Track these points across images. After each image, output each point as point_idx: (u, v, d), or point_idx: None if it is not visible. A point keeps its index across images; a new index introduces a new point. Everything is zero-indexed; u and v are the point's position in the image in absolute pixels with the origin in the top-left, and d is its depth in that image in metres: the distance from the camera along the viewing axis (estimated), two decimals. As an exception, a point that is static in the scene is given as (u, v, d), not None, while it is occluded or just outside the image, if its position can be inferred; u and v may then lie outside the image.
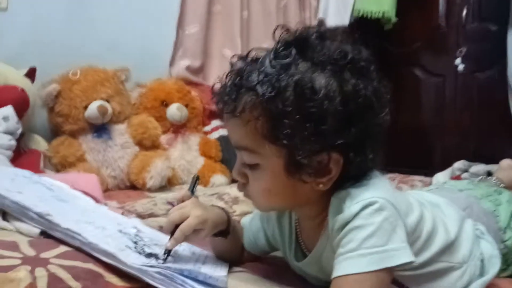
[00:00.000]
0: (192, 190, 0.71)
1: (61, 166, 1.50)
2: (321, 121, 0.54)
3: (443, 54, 2.66)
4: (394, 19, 2.22)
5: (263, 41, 2.36)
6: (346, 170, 0.57)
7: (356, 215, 0.54)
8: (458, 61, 2.59)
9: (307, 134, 0.54)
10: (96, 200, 0.88)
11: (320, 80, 0.55)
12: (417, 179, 1.72)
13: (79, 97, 1.55)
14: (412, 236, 0.58)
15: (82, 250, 0.57)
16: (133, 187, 1.62)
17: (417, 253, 0.57)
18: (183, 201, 0.68)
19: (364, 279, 0.52)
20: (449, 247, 0.64)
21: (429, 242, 0.62)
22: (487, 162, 1.60)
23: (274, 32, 0.61)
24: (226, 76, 0.61)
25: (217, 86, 0.62)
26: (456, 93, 2.62)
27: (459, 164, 1.63)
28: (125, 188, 1.63)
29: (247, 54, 0.61)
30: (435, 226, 0.63)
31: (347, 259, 0.54)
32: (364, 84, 0.56)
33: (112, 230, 0.67)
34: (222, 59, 2.20)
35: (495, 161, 1.57)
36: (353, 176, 0.58)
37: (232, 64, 0.61)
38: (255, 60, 0.59)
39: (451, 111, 2.62)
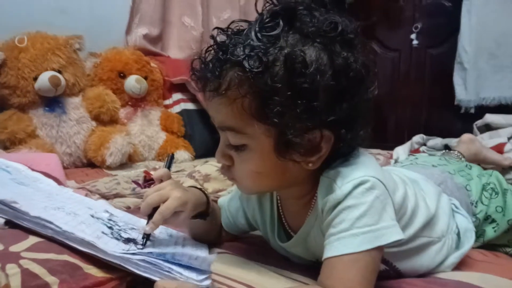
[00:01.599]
0: (168, 168, 0.67)
1: (10, 143, 1.38)
2: (313, 97, 0.51)
3: (399, 28, 2.71)
4: (355, -8, 2.22)
5: (224, 9, 2.28)
6: (336, 147, 0.55)
7: (348, 194, 0.53)
8: (413, 36, 2.66)
9: (298, 111, 0.51)
10: (58, 182, 0.81)
11: (311, 53, 0.52)
12: (376, 152, 1.77)
13: (27, 67, 1.42)
14: (399, 213, 0.59)
15: (55, 240, 0.52)
16: (90, 164, 1.54)
17: (403, 229, 0.58)
18: (161, 181, 0.64)
19: (357, 259, 0.51)
20: (429, 222, 0.65)
21: (412, 218, 0.63)
22: (437, 134, 1.67)
23: (255, 3, 0.56)
24: (206, 50, 0.56)
25: (196, 61, 0.57)
26: (410, 67, 2.71)
27: (417, 138, 1.69)
28: (82, 165, 1.54)
29: (228, 26, 0.57)
30: (417, 202, 0.64)
31: (339, 239, 0.53)
32: (354, 57, 0.53)
33: (84, 215, 0.61)
34: (182, 27, 2.10)
35: (445, 133, 1.66)
36: (342, 154, 0.57)
37: (212, 37, 0.56)
38: (238, 32, 0.55)
39: (404, 85, 2.71)
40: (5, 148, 1.37)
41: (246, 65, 0.51)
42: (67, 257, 0.50)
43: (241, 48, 0.52)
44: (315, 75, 0.51)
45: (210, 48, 0.56)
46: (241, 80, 0.52)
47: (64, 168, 1.45)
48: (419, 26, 2.60)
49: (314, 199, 0.59)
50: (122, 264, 0.52)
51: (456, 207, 0.73)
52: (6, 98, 1.42)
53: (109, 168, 1.49)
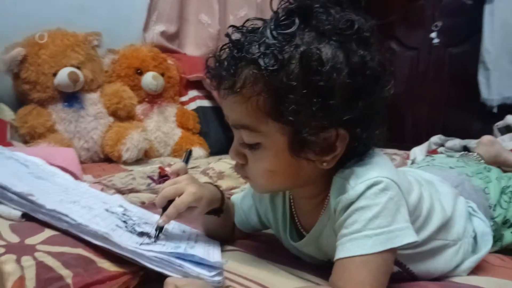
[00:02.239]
0: (186, 162, 0.68)
1: (29, 137, 1.41)
2: (328, 95, 0.51)
3: (418, 27, 2.67)
4: (374, -10, 2.18)
5: (241, 7, 2.28)
6: (351, 147, 0.55)
7: (361, 195, 0.53)
8: (433, 35, 2.62)
9: (314, 110, 0.51)
10: (75, 177, 0.82)
11: (327, 51, 0.51)
12: (392, 152, 1.74)
13: (47, 63, 1.45)
14: (413, 215, 0.58)
15: (70, 234, 0.53)
16: (107, 159, 1.56)
17: (417, 232, 0.57)
18: (178, 175, 0.64)
19: (369, 260, 0.51)
20: (445, 225, 0.64)
21: (427, 221, 0.61)
22: (456, 135, 1.64)
23: (271, 1, 0.56)
24: (221, 48, 0.56)
25: (211, 59, 0.57)
26: (429, 67, 2.66)
27: (435, 139, 1.66)
28: (99, 160, 1.56)
29: (243, 24, 0.56)
30: (432, 204, 0.63)
31: (352, 240, 0.52)
32: (371, 55, 0.53)
33: (99, 209, 0.62)
34: (199, 25, 2.11)
35: (463, 134, 1.62)
36: (357, 153, 0.56)
37: (228, 35, 0.56)
38: (253, 30, 0.55)
39: (423, 84, 2.67)
40: (25, 142, 1.40)
41: (261, 63, 0.50)
42: (81, 251, 0.50)
43: (256, 46, 0.52)
44: (331, 73, 0.50)
45: (225, 46, 0.56)
46: (256, 78, 0.51)
47: (82, 162, 1.48)
48: (439, 24, 2.55)
49: (327, 199, 0.58)
50: (135, 258, 0.52)
51: (474, 210, 0.72)
52: (27, 93, 1.45)
53: (125, 163, 1.51)
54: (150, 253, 0.53)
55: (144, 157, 1.59)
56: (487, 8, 2.14)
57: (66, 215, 0.53)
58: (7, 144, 1.18)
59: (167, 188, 0.60)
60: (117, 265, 0.52)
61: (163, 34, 1.98)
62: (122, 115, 1.58)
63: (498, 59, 2.13)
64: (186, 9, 2.09)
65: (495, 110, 2.12)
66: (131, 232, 0.59)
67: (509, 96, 2.09)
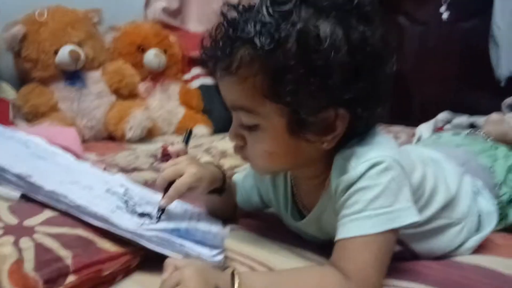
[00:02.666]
0: (185, 143, 0.67)
1: (32, 116, 1.40)
2: (327, 74, 0.49)
3: (428, 1, 2.59)
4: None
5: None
6: (352, 126, 0.54)
7: (362, 175, 0.52)
8: (443, 8, 2.54)
9: (312, 90, 0.49)
10: (77, 156, 0.82)
11: (325, 28, 0.49)
12: (398, 130, 1.72)
13: (47, 41, 1.42)
14: (416, 194, 0.57)
15: (69, 214, 0.53)
16: (111, 138, 1.56)
17: (420, 211, 0.56)
18: (178, 155, 0.64)
19: (370, 241, 0.50)
20: (449, 204, 0.63)
21: (431, 199, 0.61)
22: (465, 112, 1.61)
23: None
24: (217, 28, 0.54)
25: (206, 39, 0.56)
26: (439, 42, 2.59)
27: (442, 115, 1.63)
28: (102, 139, 1.56)
29: (238, 2, 0.54)
30: (436, 183, 0.62)
31: (352, 220, 0.52)
32: (371, 31, 0.51)
33: (99, 190, 0.62)
34: (202, 0, 2.06)
35: (474, 111, 1.59)
36: (358, 133, 0.55)
37: (222, 14, 0.54)
38: (249, 8, 0.53)
39: (432, 60, 2.61)
40: (28, 121, 1.40)
41: (257, 42, 0.49)
42: (80, 232, 0.50)
43: (252, 25, 0.50)
44: (330, 51, 0.48)
45: (220, 26, 0.54)
46: (252, 58, 0.50)
47: (85, 141, 1.48)
48: (448, -1, 2.48)
49: (328, 179, 0.58)
50: (134, 238, 0.52)
51: (479, 189, 0.71)
52: (28, 72, 1.44)
53: (129, 142, 1.51)
54: (151, 232, 0.53)
55: (148, 135, 1.58)
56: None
57: (65, 196, 0.53)
58: (9, 124, 1.18)
59: (168, 169, 0.60)
60: (118, 245, 0.52)
61: (165, 10, 1.94)
62: (125, 93, 1.56)
63: (508, 34, 2.07)
64: (188, -16, 2.04)
65: (503, 84, 2.08)
66: (131, 213, 0.58)
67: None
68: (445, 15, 2.52)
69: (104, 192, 0.63)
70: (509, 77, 2.06)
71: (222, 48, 0.52)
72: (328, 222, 0.60)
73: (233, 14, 0.53)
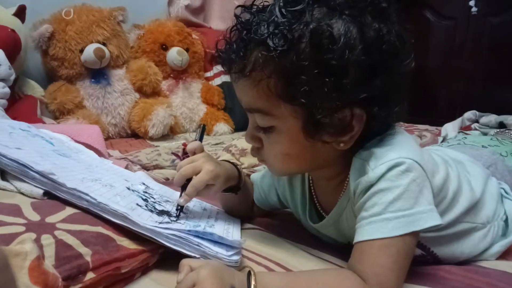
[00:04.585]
0: (200, 140, 0.68)
1: (59, 113, 1.45)
2: (342, 74, 0.48)
3: (456, -5, 2.51)
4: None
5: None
6: (369, 126, 0.52)
7: (381, 177, 0.50)
8: (472, 3, 2.46)
9: (327, 90, 0.48)
10: (99, 153, 0.84)
11: (339, 27, 0.48)
12: (423, 128, 1.68)
13: (74, 39, 1.46)
14: (438, 197, 0.55)
15: (90, 212, 0.54)
16: (134, 135, 1.59)
17: (442, 214, 0.55)
18: (194, 153, 0.64)
19: (390, 244, 0.49)
20: (473, 207, 0.61)
21: (454, 202, 0.59)
22: (492, 111, 1.56)
23: None
24: (231, 30, 0.54)
25: (221, 42, 0.56)
26: (467, 37, 2.51)
27: (469, 114, 1.58)
28: (126, 136, 1.59)
29: (252, 3, 0.54)
30: (460, 185, 0.60)
31: (371, 223, 0.50)
32: (387, 28, 0.49)
33: (120, 187, 0.63)
34: (224, -2, 2.07)
35: (502, 110, 1.54)
36: (376, 132, 0.54)
37: (236, 16, 0.54)
38: (262, 9, 0.52)
39: (459, 57, 2.53)
40: (55, 118, 1.44)
41: (270, 43, 0.48)
42: (100, 229, 0.51)
43: (265, 26, 0.49)
44: (344, 51, 0.47)
45: (234, 28, 0.54)
46: (266, 60, 0.49)
47: (109, 138, 1.52)
48: (478, -9, 2.40)
49: (346, 180, 0.57)
50: (153, 236, 0.53)
51: (506, 192, 0.68)
52: (55, 70, 1.48)
53: (151, 139, 1.54)
54: (168, 231, 0.53)
55: (170, 132, 1.61)
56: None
57: (87, 194, 0.54)
58: (37, 120, 1.22)
59: (185, 167, 0.61)
60: (137, 243, 0.53)
61: (188, 7, 1.96)
62: (148, 91, 1.59)
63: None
64: (211, -18, 2.05)
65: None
66: (151, 210, 0.59)
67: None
68: (474, 10, 2.43)
69: (125, 189, 0.64)
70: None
71: (236, 51, 0.52)
72: (346, 224, 0.59)
73: (246, 16, 0.53)
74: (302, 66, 0.48)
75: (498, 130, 1.10)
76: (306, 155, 0.55)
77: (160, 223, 0.55)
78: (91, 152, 0.77)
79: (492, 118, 1.49)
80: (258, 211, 0.76)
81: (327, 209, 0.62)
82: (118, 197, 0.58)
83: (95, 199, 0.53)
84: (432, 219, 0.50)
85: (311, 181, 0.65)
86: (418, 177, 0.50)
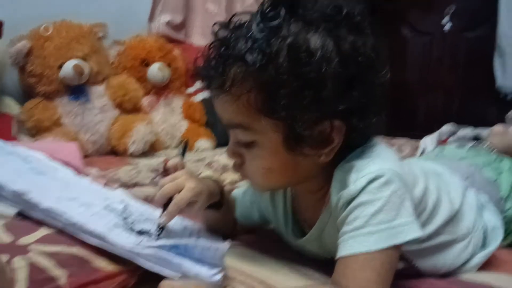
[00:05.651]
0: (182, 155, 0.67)
1: (36, 131, 1.41)
2: (320, 86, 0.49)
3: (432, 11, 2.59)
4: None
5: (249, -1, 2.24)
6: (349, 138, 0.53)
7: (362, 189, 0.51)
8: (445, 19, 2.54)
9: (306, 103, 0.49)
10: (78, 171, 0.82)
11: (315, 40, 0.50)
12: (402, 142, 1.71)
13: (52, 55, 1.44)
14: (418, 209, 0.56)
15: (66, 232, 0.52)
16: (113, 152, 1.56)
17: (422, 226, 0.55)
18: (176, 170, 0.63)
19: (373, 258, 0.49)
20: (453, 218, 0.62)
21: (434, 214, 0.60)
22: (470, 123, 1.60)
23: None
24: (209, 47, 0.54)
25: (200, 59, 0.56)
26: (443, 52, 2.58)
27: (446, 127, 1.61)
28: (105, 153, 1.56)
29: (230, 20, 0.55)
30: (439, 197, 0.61)
31: (354, 237, 0.50)
32: (363, 41, 0.51)
33: (98, 206, 0.61)
34: (206, 14, 2.08)
35: (479, 123, 1.58)
36: (356, 144, 0.55)
37: (214, 33, 0.54)
38: (240, 26, 0.53)
39: (437, 71, 2.60)
40: (32, 136, 1.40)
41: (249, 59, 0.49)
42: (77, 250, 0.50)
43: (243, 42, 0.50)
44: (321, 63, 0.49)
45: (213, 44, 0.54)
46: (245, 75, 0.50)
47: (88, 156, 1.48)
48: (452, 8, 2.47)
49: (328, 194, 0.57)
50: (131, 258, 0.51)
51: (484, 203, 0.69)
52: (33, 87, 1.45)
53: (131, 156, 1.51)
54: (148, 250, 0.52)
55: (150, 149, 1.58)
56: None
57: (62, 214, 0.52)
58: (11, 139, 1.18)
59: (167, 185, 0.60)
60: (114, 264, 0.51)
61: (169, 24, 1.96)
62: (128, 108, 1.57)
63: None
64: (192, -1, 2.06)
65: (509, 97, 2.06)
66: (129, 230, 0.58)
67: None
68: (447, 27, 2.51)
69: (103, 208, 0.62)
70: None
71: (215, 67, 0.52)
72: (329, 239, 0.59)
73: (224, 33, 0.53)
74: (281, 80, 0.49)
75: (474, 142, 1.12)
76: (287, 169, 0.55)
77: (139, 243, 0.54)
78: (69, 170, 0.75)
79: (468, 131, 1.52)
80: (241, 228, 0.75)
81: (310, 224, 0.62)
82: (96, 217, 0.56)
83: (71, 219, 0.52)
84: (414, 231, 0.51)
85: (293, 196, 0.64)
86: (398, 188, 0.51)
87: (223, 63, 0.51)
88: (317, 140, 0.52)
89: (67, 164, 0.81)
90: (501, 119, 1.46)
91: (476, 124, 1.56)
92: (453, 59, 2.53)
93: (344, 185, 0.52)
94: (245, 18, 0.54)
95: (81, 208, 0.57)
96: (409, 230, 0.50)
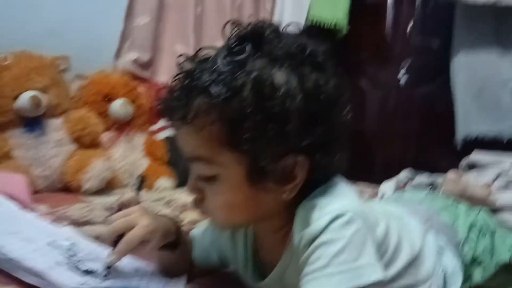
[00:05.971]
0: (137, 190, 0.64)
1: (-17, 164, 1.32)
2: (284, 121, 0.50)
3: (388, 66, 2.76)
4: (346, 29, 2.25)
5: (216, 38, 2.28)
6: (312, 175, 0.53)
7: (324, 228, 0.50)
8: (401, 73, 2.70)
9: (270, 137, 0.49)
10: (24, 205, 0.76)
11: (280, 76, 0.51)
12: (362, 188, 1.73)
13: (8, 86, 1.38)
14: (379, 250, 0.55)
15: (1, 270, 0.47)
16: (66, 188, 1.47)
17: (384, 268, 0.54)
18: (128, 206, 0.60)
19: (334, 301, 0.47)
20: (414, 261, 0.61)
21: (395, 256, 0.59)
22: (427, 170, 1.66)
23: (224, 27, 0.55)
24: (174, 79, 0.54)
25: (163, 91, 0.55)
26: (399, 105, 2.73)
27: (403, 174, 1.67)
28: (57, 190, 1.47)
29: (196, 53, 0.55)
30: (400, 239, 0.61)
31: (315, 278, 0.49)
32: (325, 79, 0.52)
33: (40, 242, 0.56)
34: (174, 54, 2.09)
35: (434, 169, 1.64)
36: (319, 182, 0.54)
37: (180, 66, 0.54)
38: (206, 59, 0.54)
39: (393, 122, 2.72)
40: (-23, 169, 1.31)
41: (213, 91, 0.49)
42: (11, 290, 0.44)
43: (208, 74, 0.50)
44: (285, 99, 0.49)
45: (177, 77, 0.54)
46: (208, 108, 0.50)
47: (38, 192, 1.39)
48: (406, 64, 2.65)
49: (290, 233, 0.55)
50: (73, 299, 0.46)
51: (443, 247, 0.69)
52: (-16, 117, 1.38)
53: (85, 193, 1.43)
54: (92, 292, 0.47)
55: (107, 187, 1.51)
56: (454, 47, 2.25)
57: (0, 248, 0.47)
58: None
59: (117, 221, 0.56)
60: (53, 306, 0.46)
61: (135, 61, 1.95)
62: (86, 142, 1.51)
63: (463, 97, 2.22)
64: (161, 39, 2.07)
65: (459, 147, 2.17)
66: (74, 269, 0.53)
67: (475, 132, 2.16)
68: (402, 80, 2.67)
69: (46, 245, 0.57)
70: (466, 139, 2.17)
71: (178, 98, 0.52)
72: (291, 281, 0.56)
73: (189, 65, 0.53)
74: (245, 113, 0.48)
75: (429, 189, 1.16)
76: (249, 205, 0.53)
77: (83, 283, 0.49)
78: (12, 204, 0.70)
79: (424, 179, 1.58)
80: (198, 270, 0.71)
81: (271, 266, 0.59)
82: (37, 253, 0.52)
83: (8, 255, 0.47)
84: (376, 273, 0.49)
85: (254, 236, 0.62)
86: (360, 228, 0.50)
87: (186, 95, 0.51)
88: (281, 176, 0.51)
89: (11, 197, 0.75)
90: (454, 166, 1.53)
91: (431, 170, 1.62)
92: (408, 111, 2.66)
93: (306, 223, 0.51)
94: (211, 52, 0.55)
95: (21, 243, 0.52)
96: (372, 272, 0.49)
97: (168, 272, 0.66)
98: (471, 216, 0.78)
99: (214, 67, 0.50)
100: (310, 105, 0.50)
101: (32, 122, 1.42)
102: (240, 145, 0.49)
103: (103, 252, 0.66)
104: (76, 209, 1.12)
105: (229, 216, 0.55)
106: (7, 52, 1.44)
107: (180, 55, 0.55)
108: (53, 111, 1.48)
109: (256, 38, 0.52)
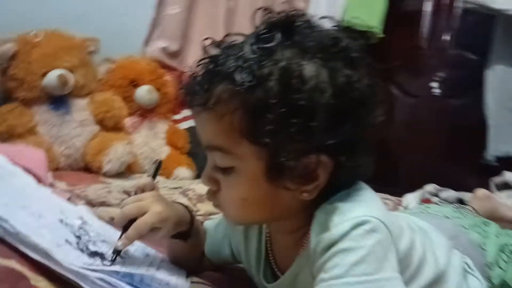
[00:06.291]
0: (153, 176, 0.62)
1: (7, 136, 1.34)
2: (310, 116, 0.46)
3: (420, 75, 2.68)
4: (381, 34, 2.19)
5: (246, 28, 2.26)
6: (335, 177, 0.49)
7: (345, 235, 0.46)
8: (434, 84, 2.62)
9: (293, 132, 0.46)
10: (39, 180, 0.75)
11: (309, 68, 0.47)
12: (384, 197, 1.68)
13: (38, 62, 1.40)
14: (402, 264, 0.51)
15: (4, 242, 0.45)
16: (87, 169, 1.48)
17: (406, 284, 0.50)
18: (143, 191, 0.58)
19: (348, 313, 0.43)
20: (438, 279, 0.57)
21: (418, 272, 0.55)
22: (450, 186, 1.59)
23: (254, 14, 0.52)
24: (198, 64, 0.52)
25: (187, 77, 0.53)
26: (429, 115, 2.64)
27: (429, 187, 1.60)
28: (78, 169, 1.49)
29: (223, 39, 0.52)
30: (425, 254, 0.57)
31: (330, 286, 0.45)
32: (358, 76, 0.49)
33: (50, 218, 0.55)
34: (203, 45, 2.09)
35: (458, 186, 1.57)
36: (342, 185, 0.51)
37: (206, 51, 0.52)
38: (233, 45, 0.51)
39: (421, 132, 2.64)
40: (3, 141, 1.33)
41: (237, 78, 0.46)
42: (13, 263, 0.43)
43: (233, 60, 0.47)
44: (313, 92, 0.46)
45: (202, 62, 0.51)
46: (231, 95, 0.47)
47: (59, 169, 1.41)
48: (441, 75, 2.56)
49: (307, 236, 0.52)
50: (76, 279, 0.45)
51: (469, 267, 0.65)
52: (12, 91, 1.40)
53: (105, 175, 1.44)
54: (96, 274, 0.45)
55: (127, 171, 1.52)
56: (489, 64, 2.17)
57: (6, 220, 0.46)
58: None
59: (129, 205, 0.54)
60: (56, 285, 0.44)
61: (164, 50, 1.95)
62: (109, 125, 1.52)
63: (498, 113, 2.14)
64: (191, 29, 2.07)
65: (492, 163, 2.09)
66: (82, 250, 0.51)
67: (506, 151, 2.08)
68: (436, 91, 2.59)
69: (57, 221, 0.56)
70: (498, 157, 2.09)
71: (201, 83, 0.49)
72: (304, 285, 0.53)
73: (215, 50, 0.51)
74: (269, 104, 0.45)
75: (457, 205, 1.10)
76: (265, 202, 0.50)
77: (90, 265, 0.47)
78: (28, 177, 0.69)
79: (451, 194, 1.51)
80: (208, 263, 0.69)
81: (283, 268, 0.56)
82: (45, 230, 0.50)
83: (15, 228, 0.45)
84: None
85: (268, 236, 0.59)
86: (384, 239, 0.47)
87: (209, 80, 0.49)
88: (301, 174, 0.48)
89: (28, 171, 0.74)
90: (481, 185, 1.46)
91: (455, 187, 1.55)
92: (438, 123, 2.58)
93: (325, 228, 0.48)
94: (239, 39, 0.52)
95: (31, 218, 0.51)
96: (392, 286, 0.46)
97: (178, 262, 0.64)
98: (503, 237, 0.73)
99: (241, 54, 0.48)
100: (339, 102, 0.47)
101: (58, 100, 1.43)
102: (260, 137, 0.46)
103: (114, 235, 0.64)
104: (94, 189, 1.12)
105: (243, 212, 0.52)
106: (40, 29, 1.46)
107: (206, 38, 0.53)
108: (79, 91, 1.49)
109: (287, 26, 0.49)
